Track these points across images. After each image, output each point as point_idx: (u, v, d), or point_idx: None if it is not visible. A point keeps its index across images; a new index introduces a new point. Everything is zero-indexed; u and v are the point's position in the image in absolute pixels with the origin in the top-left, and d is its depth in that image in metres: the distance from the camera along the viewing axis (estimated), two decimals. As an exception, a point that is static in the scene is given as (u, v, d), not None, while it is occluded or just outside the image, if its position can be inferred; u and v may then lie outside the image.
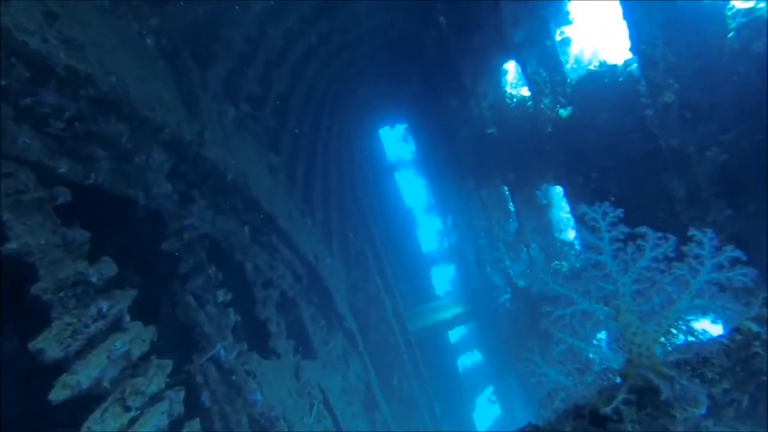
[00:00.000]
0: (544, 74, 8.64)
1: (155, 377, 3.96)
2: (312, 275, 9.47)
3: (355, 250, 12.95)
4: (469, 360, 17.40)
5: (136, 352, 3.91)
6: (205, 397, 4.93)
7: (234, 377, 5.69)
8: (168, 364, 4.27)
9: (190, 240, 5.90)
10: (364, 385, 11.98)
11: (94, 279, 3.49)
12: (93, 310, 3.39)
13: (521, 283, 11.95)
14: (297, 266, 8.71)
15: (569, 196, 9.08)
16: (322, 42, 9.84)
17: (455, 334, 16.52)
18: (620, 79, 6.89)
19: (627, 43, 6.16)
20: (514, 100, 10.65)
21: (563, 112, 8.22)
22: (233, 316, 6.39)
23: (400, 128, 17.99)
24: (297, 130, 9.56)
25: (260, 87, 8.42)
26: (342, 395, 11.45)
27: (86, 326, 3.31)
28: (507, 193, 12.21)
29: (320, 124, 11.03)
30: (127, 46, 4.68)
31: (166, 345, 5.47)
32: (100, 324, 3.47)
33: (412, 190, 18.20)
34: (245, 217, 7.78)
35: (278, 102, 8.71)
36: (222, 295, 6.16)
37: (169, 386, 4.32)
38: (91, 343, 3.34)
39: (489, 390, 16.33)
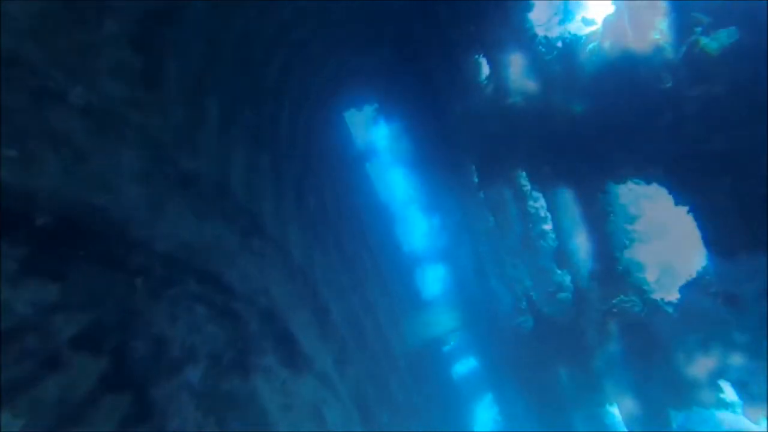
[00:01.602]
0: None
1: (104, 422, 3.22)
2: (262, 315, 8.30)
3: (324, 266, 11.89)
4: (464, 367, 16.50)
5: (79, 393, 3.16)
6: (174, 427, 4.24)
7: (209, 403, 5.02)
8: (122, 400, 3.55)
9: (164, 250, 5.19)
10: (363, 382, 11.21)
11: (21, 308, 2.75)
12: (15, 348, 2.65)
13: (548, 311, 9.88)
14: (288, 268, 7.95)
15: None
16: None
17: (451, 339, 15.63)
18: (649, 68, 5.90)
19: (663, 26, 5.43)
20: (559, 44, 7.55)
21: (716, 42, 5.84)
22: (212, 331, 5.64)
23: (369, 109, 16.36)
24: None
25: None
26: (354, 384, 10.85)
27: (4, 370, 2.57)
28: (530, 192, 10.03)
29: (263, 114, 10.21)
30: (79, 29, 3.96)
31: (138, 367, 4.76)
32: (27, 365, 2.72)
33: (389, 182, 16.72)
34: (233, 223, 7.05)
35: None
36: (201, 310, 5.45)
37: (126, 421, 3.61)
38: (10, 392, 2.59)
39: (488, 397, 15.50)
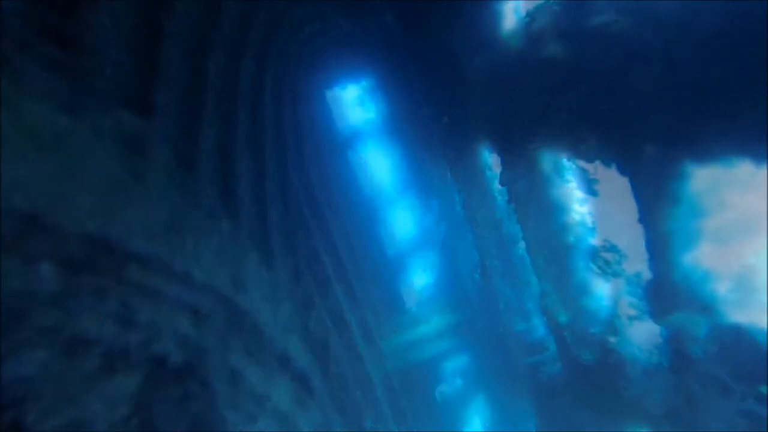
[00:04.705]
0: None
1: None
2: (229, 310, 6.98)
3: (307, 253, 10.47)
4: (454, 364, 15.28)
5: None
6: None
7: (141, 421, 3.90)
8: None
9: (84, 228, 4.22)
10: (347, 384, 10.02)
11: None
12: None
13: (588, 357, 7.89)
14: (266, 256, 6.35)
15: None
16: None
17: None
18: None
19: None
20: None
21: None
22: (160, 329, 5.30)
23: (354, 88, 15.01)
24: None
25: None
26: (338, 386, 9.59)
27: None
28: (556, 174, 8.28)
29: (239, 73, 8.55)
30: None
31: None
32: None
33: (379, 167, 15.41)
34: (197, 200, 5.64)
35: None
36: (142, 304, 4.89)
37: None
38: None
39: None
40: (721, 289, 5.51)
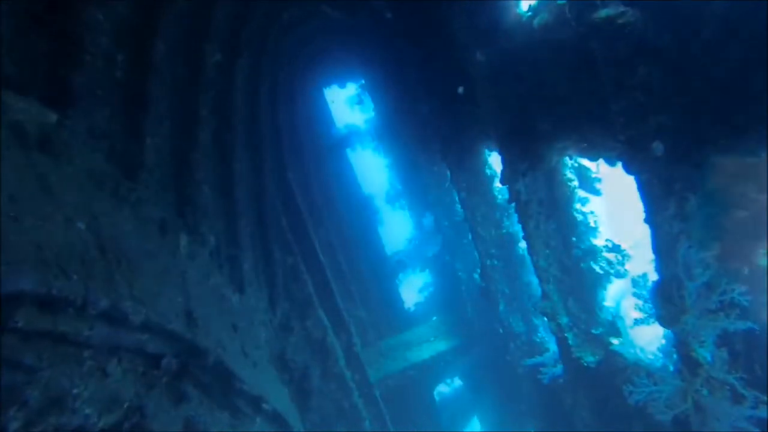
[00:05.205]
0: None
1: None
2: (186, 349, 6.06)
3: (285, 271, 9.80)
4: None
5: None
6: None
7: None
8: None
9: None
10: (330, 419, 9.60)
11: None
12: None
13: (590, 359, 7.73)
14: (234, 277, 5.84)
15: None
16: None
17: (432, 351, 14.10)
18: None
19: None
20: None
21: None
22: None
23: (352, 87, 14.86)
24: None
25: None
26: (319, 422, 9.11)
27: None
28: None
29: (235, 72, 8.36)
30: None
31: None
32: None
33: (369, 171, 15.38)
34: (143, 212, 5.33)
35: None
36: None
37: None
38: None
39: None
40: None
